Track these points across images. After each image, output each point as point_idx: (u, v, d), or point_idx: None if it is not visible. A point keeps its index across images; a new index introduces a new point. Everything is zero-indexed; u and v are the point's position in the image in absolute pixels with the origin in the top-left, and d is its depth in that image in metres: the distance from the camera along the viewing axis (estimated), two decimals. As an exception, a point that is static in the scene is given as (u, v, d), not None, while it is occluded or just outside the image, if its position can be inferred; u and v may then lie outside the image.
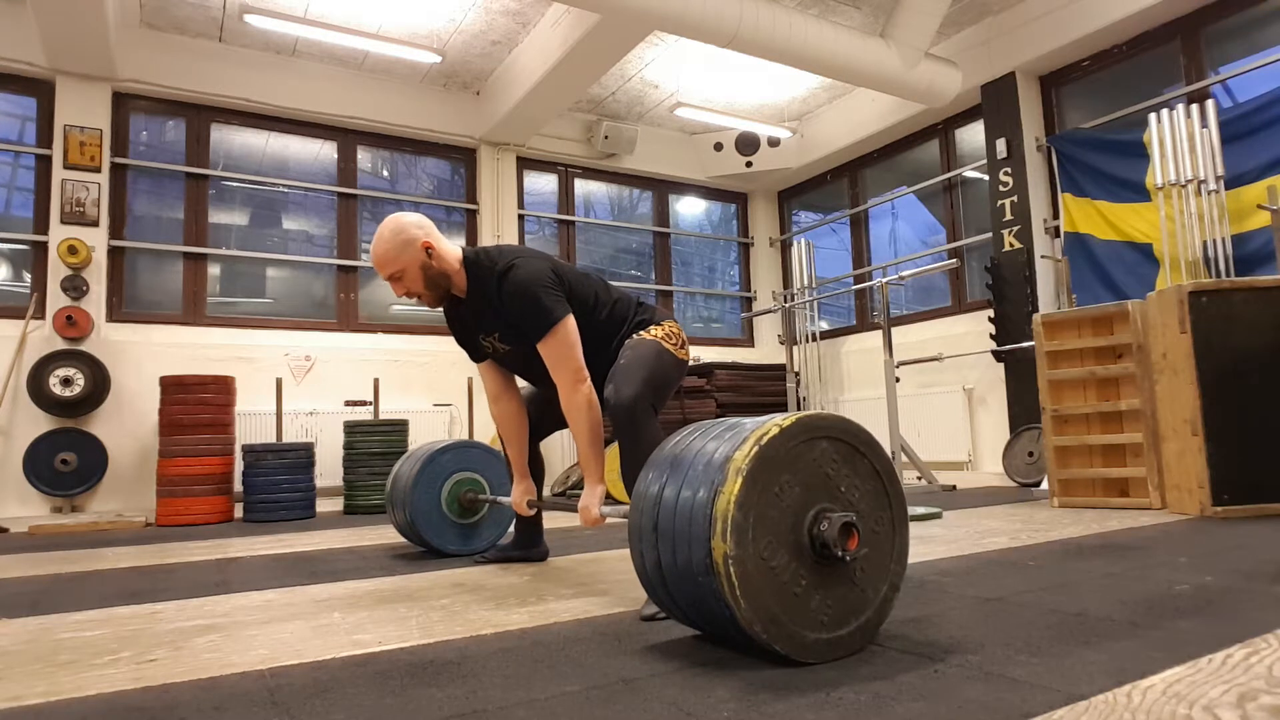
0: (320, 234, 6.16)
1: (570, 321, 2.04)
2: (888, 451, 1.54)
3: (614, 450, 4.95)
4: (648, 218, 7.67)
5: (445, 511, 2.76)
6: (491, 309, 2.14)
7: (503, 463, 2.84)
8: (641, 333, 2.17)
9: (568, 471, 5.83)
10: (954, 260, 4.46)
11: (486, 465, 2.86)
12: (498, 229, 6.58)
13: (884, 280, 4.25)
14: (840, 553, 1.27)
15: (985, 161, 6.01)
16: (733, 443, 1.32)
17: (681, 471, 1.39)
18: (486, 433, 6.11)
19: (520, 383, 2.43)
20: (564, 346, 2.02)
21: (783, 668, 1.26)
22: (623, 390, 1.96)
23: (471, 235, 6.70)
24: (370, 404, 5.65)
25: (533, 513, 2.43)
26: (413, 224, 2.10)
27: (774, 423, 1.32)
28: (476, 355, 2.36)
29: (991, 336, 5.71)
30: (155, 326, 5.41)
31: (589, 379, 2.04)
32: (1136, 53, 5.29)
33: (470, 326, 2.28)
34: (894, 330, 6.24)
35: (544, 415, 2.46)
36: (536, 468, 2.52)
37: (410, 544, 3.14)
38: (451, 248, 2.16)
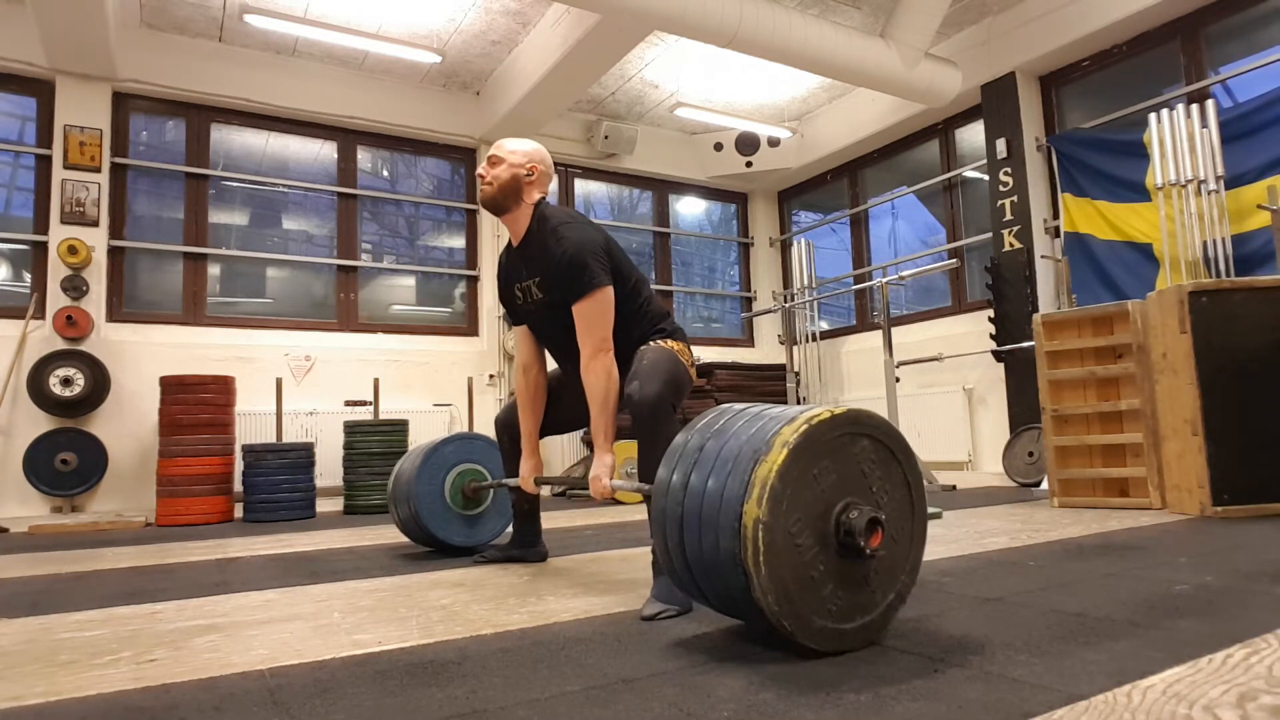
0: (320, 234, 6.16)
1: (609, 292, 2.11)
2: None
3: (622, 446, 4.94)
4: (648, 218, 7.66)
5: (449, 503, 2.78)
6: (540, 257, 2.21)
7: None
8: (659, 341, 2.20)
9: (568, 470, 5.83)
10: (954, 260, 4.47)
11: (488, 456, 2.88)
12: (498, 229, 6.58)
13: (884, 280, 4.26)
14: (862, 544, 1.29)
15: (985, 161, 6.00)
16: (781, 420, 1.36)
17: (725, 436, 1.41)
18: (486, 433, 6.10)
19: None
20: (597, 314, 2.09)
21: (783, 665, 1.27)
22: (646, 388, 1.99)
23: (472, 235, 6.70)
24: (370, 404, 5.65)
25: (540, 490, 2.44)
26: (545, 156, 2.30)
27: (826, 409, 1.35)
28: (514, 315, 2.42)
29: (991, 336, 5.71)
30: (155, 326, 5.41)
31: (612, 350, 2.10)
32: (1136, 53, 5.29)
33: (514, 273, 2.33)
34: (894, 330, 6.24)
35: (551, 413, 2.47)
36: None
37: (411, 544, 3.14)
38: (541, 191, 2.28)
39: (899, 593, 1.41)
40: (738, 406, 1.52)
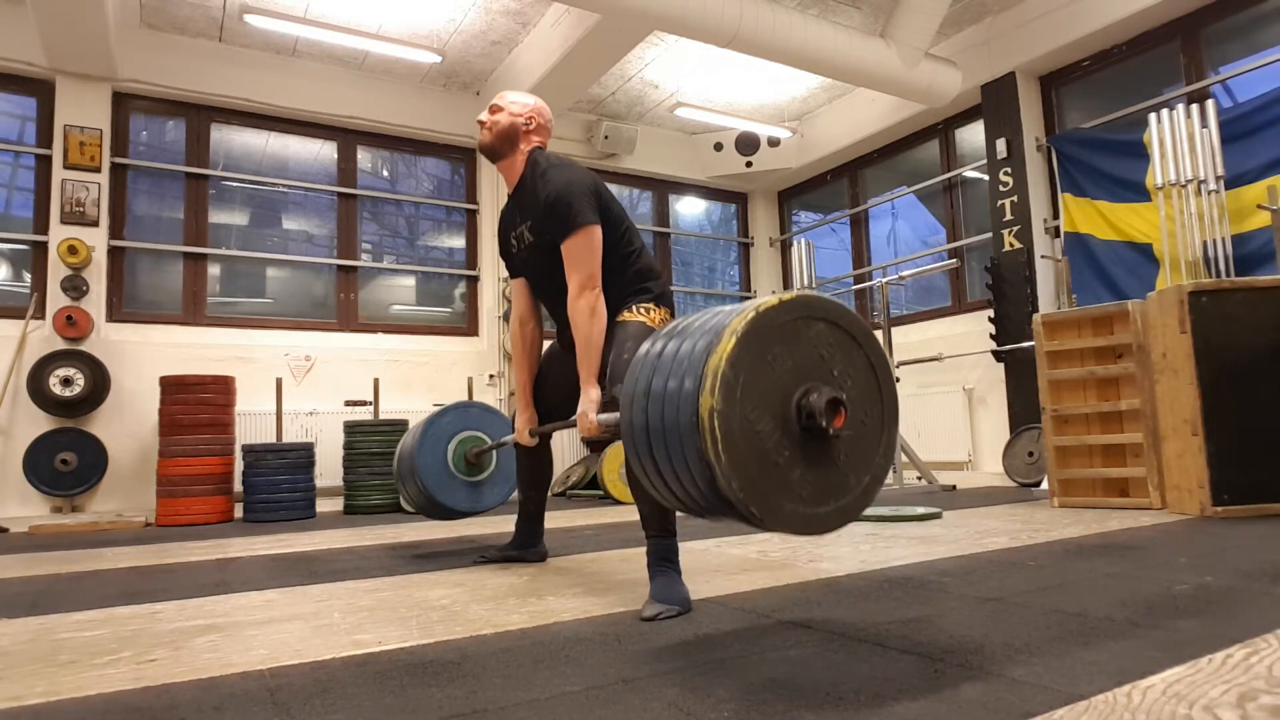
0: (320, 234, 6.16)
1: (597, 230, 2.10)
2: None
3: (615, 450, 4.95)
4: (648, 218, 7.66)
5: (453, 470, 2.81)
6: (530, 201, 2.23)
7: (501, 419, 2.96)
8: (641, 308, 2.16)
9: (567, 471, 5.83)
10: (954, 260, 4.47)
11: (486, 422, 2.90)
12: (497, 228, 6.57)
13: (884, 280, 4.25)
14: (824, 424, 1.27)
15: (985, 161, 6.00)
16: (731, 314, 1.34)
17: (685, 336, 1.40)
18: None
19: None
20: (584, 249, 2.08)
21: (783, 664, 1.26)
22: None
23: (472, 235, 6.70)
24: (370, 404, 5.65)
25: (535, 442, 2.45)
26: (545, 110, 2.34)
27: (775, 296, 1.34)
28: (511, 266, 2.44)
29: (991, 336, 5.71)
30: (155, 326, 5.41)
31: (600, 288, 2.09)
32: (1136, 53, 5.29)
33: (510, 220, 2.36)
34: (894, 330, 6.23)
35: (539, 391, 2.44)
36: (544, 470, 2.57)
37: (410, 544, 3.14)
38: (539, 139, 2.32)
39: (874, 475, 1.39)
40: (695, 314, 1.49)
